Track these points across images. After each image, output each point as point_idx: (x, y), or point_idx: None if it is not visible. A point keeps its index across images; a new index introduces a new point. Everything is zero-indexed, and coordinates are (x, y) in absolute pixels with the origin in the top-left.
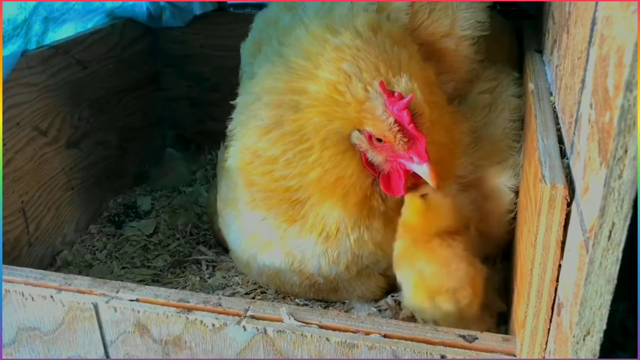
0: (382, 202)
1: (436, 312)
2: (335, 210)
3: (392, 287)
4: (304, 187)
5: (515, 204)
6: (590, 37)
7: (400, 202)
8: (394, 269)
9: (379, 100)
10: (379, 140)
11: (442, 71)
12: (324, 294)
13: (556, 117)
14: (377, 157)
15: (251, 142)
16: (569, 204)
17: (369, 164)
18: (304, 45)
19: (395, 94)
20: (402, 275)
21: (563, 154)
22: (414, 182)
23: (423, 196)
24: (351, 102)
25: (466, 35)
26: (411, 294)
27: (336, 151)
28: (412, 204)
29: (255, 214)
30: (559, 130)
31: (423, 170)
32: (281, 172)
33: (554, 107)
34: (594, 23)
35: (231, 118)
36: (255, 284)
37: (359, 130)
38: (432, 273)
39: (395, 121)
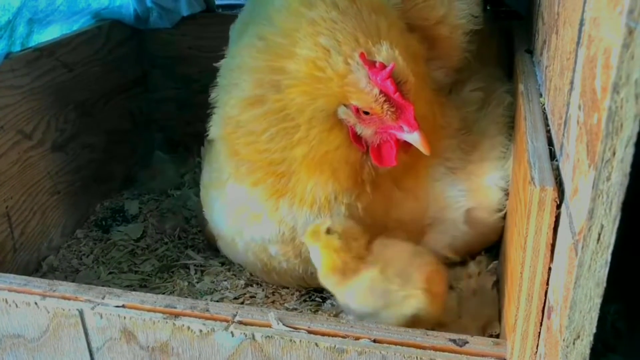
0: (373, 172)
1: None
2: (327, 185)
3: None
4: (287, 161)
5: (504, 204)
6: (579, 38)
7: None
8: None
9: (362, 72)
10: (366, 113)
11: (435, 57)
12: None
13: (546, 119)
14: (365, 131)
15: (234, 113)
16: (558, 207)
17: (357, 138)
18: (280, 21)
19: (377, 64)
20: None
21: (553, 156)
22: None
23: (328, 231)
24: (333, 77)
25: (461, 24)
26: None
27: (323, 129)
28: (326, 249)
29: (241, 188)
30: (548, 132)
31: (414, 138)
32: (264, 145)
33: (544, 108)
34: (581, 24)
35: (215, 84)
36: (244, 287)
37: (345, 105)
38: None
39: (380, 92)
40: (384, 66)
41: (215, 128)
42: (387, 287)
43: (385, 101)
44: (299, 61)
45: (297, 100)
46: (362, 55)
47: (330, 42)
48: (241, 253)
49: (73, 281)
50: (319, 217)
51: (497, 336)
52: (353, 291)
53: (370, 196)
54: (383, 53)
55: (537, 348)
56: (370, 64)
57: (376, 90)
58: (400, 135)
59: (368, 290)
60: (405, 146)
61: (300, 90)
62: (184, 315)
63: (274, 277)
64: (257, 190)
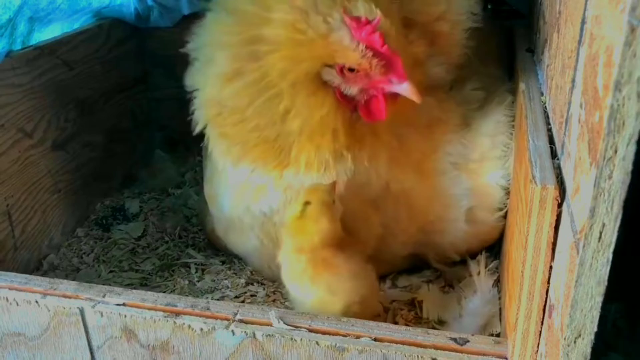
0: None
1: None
2: (330, 145)
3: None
4: (283, 135)
5: (505, 203)
6: (580, 36)
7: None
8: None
9: (344, 29)
10: (351, 70)
11: (435, 53)
12: None
13: (547, 117)
14: (351, 89)
15: (214, 92)
16: (559, 205)
17: (344, 98)
18: None
19: (362, 19)
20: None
21: (554, 155)
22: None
23: (306, 204)
24: (315, 38)
25: (461, 20)
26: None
27: (308, 93)
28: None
29: (240, 170)
30: (549, 130)
31: (404, 88)
32: (253, 121)
33: (545, 107)
34: (583, 22)
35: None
36: (245, 286)
37: (329, 66)
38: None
39: (367, 47)
40: (367, 20)
41: (199, 112)
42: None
43: (373, 56)
44: (277, 26)
45: (278, 66)
46: (344, 11)
47: (306, 2)
48: (247, 231)
49: (74, 280)
50: (325, 176)
51: (498, 335)
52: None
53: (373, 145)
54: (361, 9)
55: (538, 347)
56: (355, 19)
57: (362, 46)
58: (389, 88)
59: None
60: (392, 98)
61: (280, 55)
62: (185, 313)
63: (277, 253)
64: (258, 169)
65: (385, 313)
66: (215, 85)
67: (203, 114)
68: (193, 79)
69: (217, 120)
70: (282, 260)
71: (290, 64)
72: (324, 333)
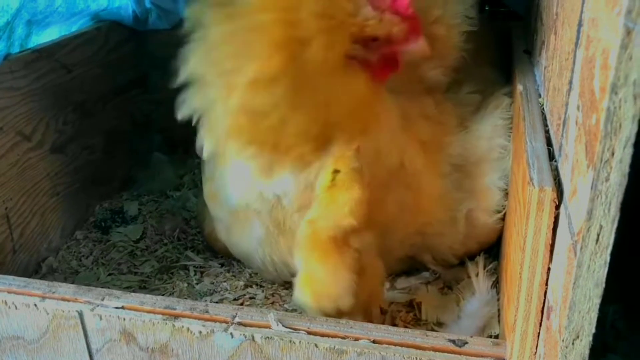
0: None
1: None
2: (365, 121)
3: None
4: (324, 126)
5: (503, 205)
6: (577, 38)
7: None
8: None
9: (365, 3)
10: (373, 40)
11: (432, 56)
12: None
13: (545, 119)
14: (372, 57)
15: (242, 102)
16: (557, 207)
17: (368, 68)
18: None
19: None
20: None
21: (552, 157)
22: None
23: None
24: (346, 19)
25: (456, 24)
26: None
27: (344, 77)
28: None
29: (248, 166)
30: (547, 132)
31: (419, 44)
32: (293, 121)
33: (543, 108)
34: (580, 24)
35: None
36: (244, 288)
37: (355, 42)
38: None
39: (394, 13)
40: None
41: (214, 131)
42: None
43: (400, 21)
44: (308, 20)
45: (316, 58)
46: None
47: None
48: (253, 225)
49: (72, 282)
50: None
51: (497, 337)
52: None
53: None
54: None
55: (536, 348)
56: None
57: (388, 15)
58: (407, 48)
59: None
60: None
61: (317, 47)
62: (184, 316)
63: (281, 245)
64: (289, 163)
65: (383, 315)
66: (245, 95)
67: (222, 130)
68: (195, 102)
69: (245, 130)
70: (300, 231)
71: (327, 52)
72: (322, 335)
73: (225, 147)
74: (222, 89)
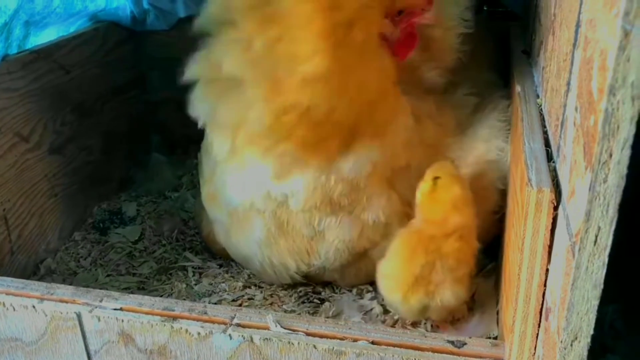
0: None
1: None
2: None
3: None
4: (358, 114)
5: (501, 205)
6: (575, 39)
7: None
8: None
9: None
10: (400, 12)
11: (429, 58)
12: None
13: (543, 120)
14: (395, 33)
15: (295, 99)
16: (555, 208)
17: (391, 45)
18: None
19: None
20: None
21: (550, 158)
22: None
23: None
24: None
25: (453, 25)
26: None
27: (378, 56)
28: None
29: (263, 164)
30: (545, 133)
31: (431, 14)
32: (336, 113)
33: (541, 109)
34: (578, 25)
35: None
36: (243, 289)
37: (385, 17)
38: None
39: None
40: None
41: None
42: None
43: None
44: (352, 7)
45: (358, 39)
46: None
47: None
48: (253, 226)
49: (71, 284)
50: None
51: (495, 338)
52: None
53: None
54: None
55: (535, 349)
56: None
57: None
58: (422, 20)
59: None
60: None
61: (360, 30)
62: (182, 317)
63: (281, 247)
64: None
65: (383, 315)
66: (297, 93)
67: (255, 129)
68: (229, 103)
69: (285, 127)
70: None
71: (367, 31)
72: (321, 336)
73: (244, 148)
74: (266, 89)
